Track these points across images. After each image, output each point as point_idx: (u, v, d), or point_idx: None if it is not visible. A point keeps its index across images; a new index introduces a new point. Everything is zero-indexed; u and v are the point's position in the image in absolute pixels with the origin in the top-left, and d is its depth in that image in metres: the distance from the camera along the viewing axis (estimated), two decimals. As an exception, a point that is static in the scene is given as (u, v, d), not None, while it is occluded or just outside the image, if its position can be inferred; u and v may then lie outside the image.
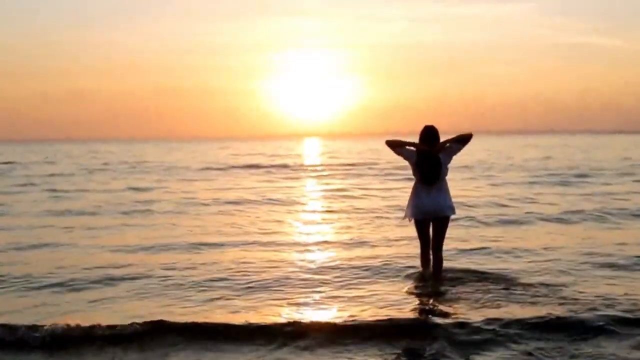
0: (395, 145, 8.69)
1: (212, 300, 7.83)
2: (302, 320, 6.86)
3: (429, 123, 8.70)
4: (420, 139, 8.60)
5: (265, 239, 12.04)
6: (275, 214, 15.89)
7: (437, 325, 6.69)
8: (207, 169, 37.29)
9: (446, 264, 8.96)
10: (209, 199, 19.40)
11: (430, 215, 8.62)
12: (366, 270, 9.31)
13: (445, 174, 8.61)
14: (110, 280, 8.85)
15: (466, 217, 14.13)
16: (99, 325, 6.61)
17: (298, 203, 18.67)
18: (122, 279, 8.93)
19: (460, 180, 24.34)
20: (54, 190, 23.30)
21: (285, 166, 39.70)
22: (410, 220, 8.86)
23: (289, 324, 6.74)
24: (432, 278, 8.65)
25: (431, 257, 8.82)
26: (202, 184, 26.00)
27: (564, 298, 7.57)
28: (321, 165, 41.34)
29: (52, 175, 33.09)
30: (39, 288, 8.54)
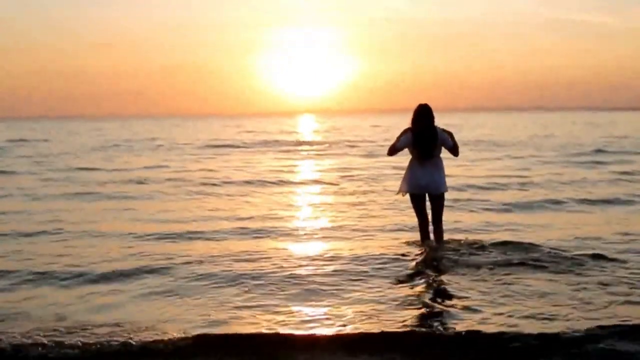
0: (393, 151, 9.14)
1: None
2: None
3: (423, 101, 9.10)
4: (414, 117, 9.02)
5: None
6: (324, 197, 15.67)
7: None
8: (223, 146, 37.28)
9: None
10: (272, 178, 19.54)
11: (425, 190, 9.10)
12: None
13: (439, 153, 9.06)
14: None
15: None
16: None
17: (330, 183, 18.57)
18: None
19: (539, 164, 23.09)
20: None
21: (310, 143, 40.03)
22: (404, 195, 9.29)
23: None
24: (435, 247, 9.07)
25: (431, 231, 9.29)
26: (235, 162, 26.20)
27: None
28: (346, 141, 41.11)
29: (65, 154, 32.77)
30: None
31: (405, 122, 9.20)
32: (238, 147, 37.21)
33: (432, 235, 9.36)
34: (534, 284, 7.24)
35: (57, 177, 20.72)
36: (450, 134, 9.15)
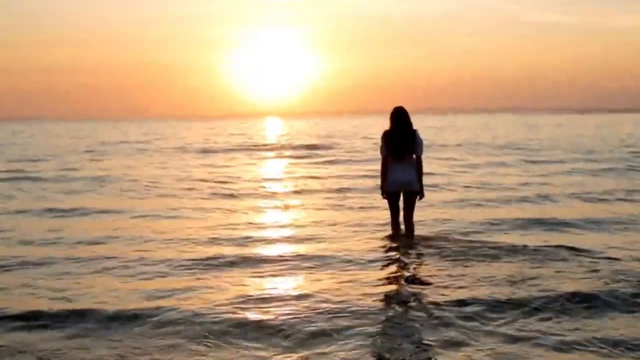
0: (383, 164, 9.88)
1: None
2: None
3: (394, 104, 9.95)
4: (391, 118, 9.81)
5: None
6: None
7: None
8: (206, 150, 36.37)
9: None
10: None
11: (401, 187, 9.80)
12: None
13: (416, 153, 9.72)
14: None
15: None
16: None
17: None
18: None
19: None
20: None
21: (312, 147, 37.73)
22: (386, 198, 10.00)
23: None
24: (405, 239, 9.85)
25: (402, 225, 10.03)
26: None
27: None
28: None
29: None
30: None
31: (373, 125, 9.93)
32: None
33: (402, 228, 10.07)
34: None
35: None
36: (420, 167, 9.80)
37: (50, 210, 14.03)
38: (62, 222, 12.60)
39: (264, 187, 18.18)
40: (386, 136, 9.81)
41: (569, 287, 7.31)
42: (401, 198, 9.91)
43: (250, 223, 12.18)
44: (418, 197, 9.87)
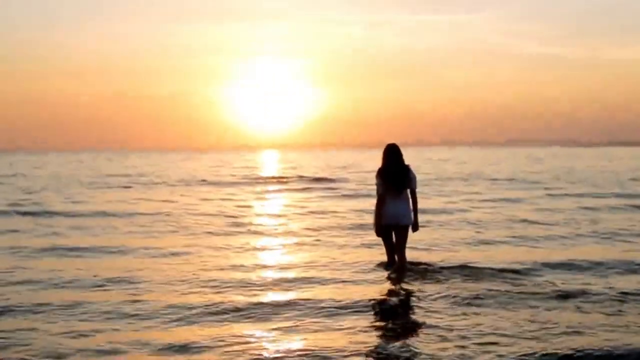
0: (379, 209, 10.15)
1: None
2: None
3: (389, 136, 11.52)
4: (383, 155, 10.23)
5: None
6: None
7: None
8: (218, 183, 35.86)
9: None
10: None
11: (395, 220, 10.12)
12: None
13: (409, 187, 10.12)
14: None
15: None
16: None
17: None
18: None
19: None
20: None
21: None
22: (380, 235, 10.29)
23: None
24: (397, 274, 10.09)
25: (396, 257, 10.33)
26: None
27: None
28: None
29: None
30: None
31: (377, 157, 10.50)
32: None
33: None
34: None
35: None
36: (414, 200, 10.25)
37: (55, 248, 13.35)
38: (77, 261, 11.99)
39: (282, 224, 17.41)
40: (381, 173, 10.15)
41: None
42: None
43: (262, 265, 11.58)
44: (411, 229, 10.25)
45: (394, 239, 10.39)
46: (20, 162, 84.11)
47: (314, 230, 15.90)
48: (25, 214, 20.07)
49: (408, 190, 10.24)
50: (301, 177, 40.12)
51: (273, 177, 41.24)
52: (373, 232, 10.55)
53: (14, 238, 15.19)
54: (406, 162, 10.30)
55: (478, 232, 15.21)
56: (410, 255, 10.80)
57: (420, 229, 10.77)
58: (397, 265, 10.40)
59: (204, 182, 36.61)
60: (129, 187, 33.38)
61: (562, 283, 9.43)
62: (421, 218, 11.11)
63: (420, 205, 10.71)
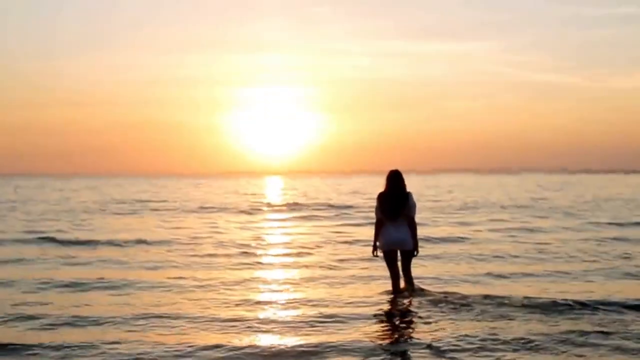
0: (377, 224, 10.43)
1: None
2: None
3: (392, 164, 10.70)
4: (386, 180, 10.40)
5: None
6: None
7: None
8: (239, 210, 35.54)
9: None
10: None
11: (396, 246, 10.37)
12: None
13: (409, 214, 10.25)
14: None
15: None
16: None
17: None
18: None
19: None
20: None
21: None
22: (379, 255, 10.59)
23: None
24: (404, 294, 10.45)
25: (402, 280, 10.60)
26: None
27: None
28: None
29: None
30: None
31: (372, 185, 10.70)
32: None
33: (402, 283, 10.71)
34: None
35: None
36: (414, 227, 10.36)
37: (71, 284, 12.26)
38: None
39: (302, 253, 16.85)
40: (381, 198, 10.34)
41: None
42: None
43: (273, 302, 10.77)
44: (415, 253, 10.46)
45: (398, 263, 10.62)
46: (25, 187, 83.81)
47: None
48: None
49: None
50: (330, 205, 37.86)
51: (299, 204, 39.80)
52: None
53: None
54: (408, 189, 10.45)
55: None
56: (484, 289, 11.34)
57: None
58: (404, 288, 10.66)
59: (239, 210, 35.55)
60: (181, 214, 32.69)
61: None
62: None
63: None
